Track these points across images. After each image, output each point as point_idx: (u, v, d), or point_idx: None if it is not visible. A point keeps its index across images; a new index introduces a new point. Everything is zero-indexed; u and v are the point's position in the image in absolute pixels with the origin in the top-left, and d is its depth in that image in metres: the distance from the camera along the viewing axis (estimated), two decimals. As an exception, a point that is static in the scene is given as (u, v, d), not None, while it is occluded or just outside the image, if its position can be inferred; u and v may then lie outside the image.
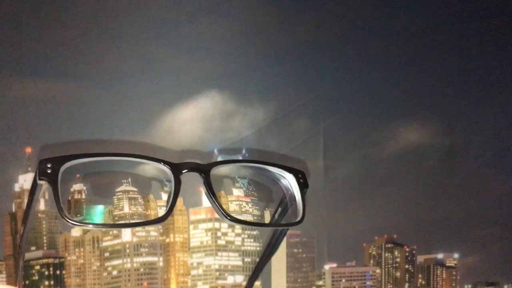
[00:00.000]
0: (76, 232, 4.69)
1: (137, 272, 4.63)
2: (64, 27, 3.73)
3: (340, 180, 4.42)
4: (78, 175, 0.59)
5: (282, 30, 4.15)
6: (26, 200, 4.42)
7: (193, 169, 0.61)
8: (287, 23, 4.09)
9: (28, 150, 4.02)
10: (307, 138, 4.04)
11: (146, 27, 3.87)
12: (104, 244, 4.70)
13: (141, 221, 0.61)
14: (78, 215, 0.58)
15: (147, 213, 0.62)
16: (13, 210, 4.51)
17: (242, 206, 0.62)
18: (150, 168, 0.60)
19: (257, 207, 0.65)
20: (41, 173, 0.56)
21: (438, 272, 4.84)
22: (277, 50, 4.21)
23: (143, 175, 0.60)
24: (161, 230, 4.65)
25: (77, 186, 0.59)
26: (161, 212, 0.61)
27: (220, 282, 4.62)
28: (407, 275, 4.86)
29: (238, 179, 0.65)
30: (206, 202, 3.97)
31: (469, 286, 4.78)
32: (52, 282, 4.52)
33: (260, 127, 3.96)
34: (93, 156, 0.56)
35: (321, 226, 4.28)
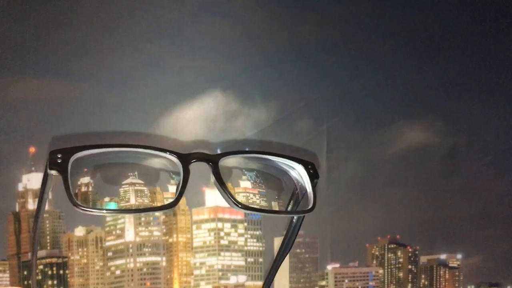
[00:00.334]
0: (79, 232, 4.71)
1: (140, 272, 4.65)
2: (67, 27, 3.75)
3: (343, 180, 4.43)
4: (86, 169, 0.59)
5: (285, 31, 4.16)
6: (30, 200, 4.44)
7: (202, 159, 0.61)
8: (290, 24, 4.10)
9: (32, 150, 4.04)
10: (310, 138, 4.05)
11: (149, 28, 3.88)
12: (107, 244, 4.71)
13: (150, 206, 0.61)
14: (87, 205, 0.59)
15: (153, 205, 0.62)
16: (17, 209, 4.54)
17: (249, 198, 0.62)
18: (158, 161, 0.60)
19: (264, 199, 0.65)
20: (51, 163, 0.57)
21: (441, 272, 4.84)
22: (280, 50, 4.22)
23: (150, 167, 0.60)
24: (164, 230, 4.67)
25: (84, 179, 0.60)
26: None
27: (223, 282, 4.63)
28: (410, 276, 4.86)
29: (246, 171, 0.65)
30: (209, 202, 3.98)
31: (472, 286, 4.78)
32: (55, 282, 4.54)
33: (263, 128, 3.96)
34: (102, 147, 0.56)
35: (324, 226, 4.28)
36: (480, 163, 4.39)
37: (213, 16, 3.98)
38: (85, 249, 4.51)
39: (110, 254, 4.54)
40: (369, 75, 4.30)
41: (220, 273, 4.59)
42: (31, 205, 4.27)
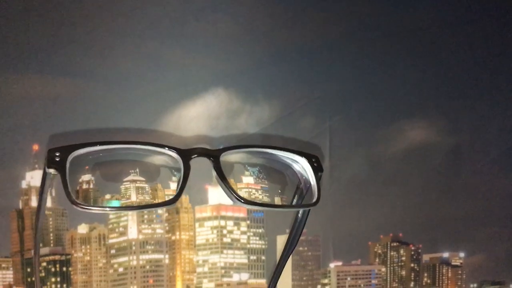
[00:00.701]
0: (82, 229, 4.72)
1: (143, 269, 4.65)
2: (71, 25, 3.76)
3: (346, 179, 4.44)
4: (87, 167, 0.58)
5: (288, 29, 4.16)
6: (33, 197, 4.45)
7: (203, 154, 0.59)
8: (293, 22, 4.11)
9: (35, 147, 4.04)
10: (313, 136, 4.05)
11: (153, 26, 3.89)
12: (110, 241, 4.72)
13: (150, 203, 0.60)
14: (86, 202, 0.58)
15: (154, 201, 0.61)
16: (20, 207, 4.55)
17: (251, 194, 0.61)
18: (159, 157, 0.58)
19: (267, 194, 0.63)
20: (49, 162, 0.56)
21: (444, 271, 4.84)
22: (283, 49, 4.22)
23: (152, 164, 0.59)
24: (167, 228, 4.67)
25: (86, 177, 0.59)
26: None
27: (225, 279, 4.64)
28: (412, 274, 4.86)
29: (248, 167, 0.62)
30: (212, 200, 3.98)
31: (475, 285, 4.77)
32: (58, 279, 4.55)
33: (265, 126, 3.97)
34: (101, 145, 0.55)
35: (326, 224, 4.29)
36: (482, 162, 4.39)
37: (216, 15, 3.99)
38: (88, 246, 4.52)
39: (113, 251, 4.55)
40: (372, 74, 4.30)
41: (223, 271, 4.60)
42: (35, 202, 4.28)
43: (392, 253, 4.88)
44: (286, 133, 4.07)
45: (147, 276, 4.57)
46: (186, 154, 0.58)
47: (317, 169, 0.62)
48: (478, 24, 4.16)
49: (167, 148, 0.57)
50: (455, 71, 4.31)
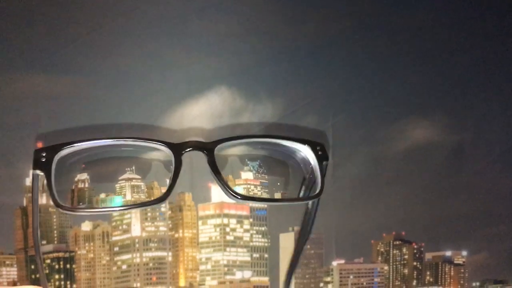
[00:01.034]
0: (86, 226, 4.74)
1: (146, 267, 4.67)
2: (74, 24, 3.77)
3: (348, 177, 4.44)
4: (77, 166, 0.57)
5: (291, 27, 4.17)
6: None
7: (196, 147, 0.54)
8: (295, 21, 4.11)
9: (39, 145, 4.05)
10: (315, 135, 4.04)
11: (155, 24, 3.90)
12: (114, 238, 4.73)
13: (137, 203, 0.57)
14: (80, 204, 0.57)
15: (150, 200, 0.58)
16: (24, 204, 4.57)
17: (250, 190, 0.58)
18: (154, 154, 0.55)
19: (266, 190, 0.59)
20: (35, 163, 0.55)
21: (446, 269, 4.84)
22: (286, 47, 4.23)
23: (147, 161, 0.57)
24: (170, 225, 4.69)
25: (77, 177, 0.58)
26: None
27: (228, 277, 4.65)
28: (415, 272, 4.86)
29: (247, 160, 0.59)
30: (215, 197, 3.99)
31: (477, 283, 4.77)
32: (62, 276, 4.57)
33: (268, 124, 3.97)
34: (87, 141, 0.54)
35: (329, 222, 4.29)
36: (485, 160, 4.39)
37: (219, 13, 4.00)
38: (91, 243, 4.53)
39: (116, 249, 4.57)
40: (374, 72, 4.30)
41: (226, 269, 4.61)
42: (39, 199, 4.29)
43: (394, 252, 4.89)
44: (288, 131, 4.08)
45: (150, 273, 4.58)
46: (177, 148, 0.54)
47: (322, 157, 0.58)
48: (482, 24, 4.17)
49: (156, 142, 0.54)
50: (458, 70, 4.31)
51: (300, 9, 4.03)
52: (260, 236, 4.61)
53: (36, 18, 3.71)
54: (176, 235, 4.58)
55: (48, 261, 4.33)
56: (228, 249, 4.59)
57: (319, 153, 0.58)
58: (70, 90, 4.03)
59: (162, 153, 0.56)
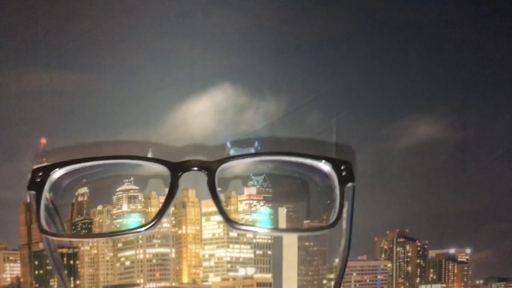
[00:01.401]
0: (90, 223, 4.75)
1: (149, 263, 4.67)
2: (79, 20, 3.77)
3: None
4: (84, 180, 0.55)
5: (295, 24, 4.16)
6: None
7: (196, 167, 0.50)
8: (300, 17, 4.10)
9: (43, 141, 4.06)
10: (320, 132, 4.04)
11: (160, 20, 3.90)
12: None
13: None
14: (78, 216, 0.56)
15: (147, 210, 0.57)
16: (28, 200, 4.57)
17: (252, 206, 0.54)
18: (151, 166, 0.53)
19: (269, 205, 0.54)
20: (30, 183, 0.54)
21: (450, 267, 4.83)
22: (290, 44, 4.22)
23: (146, 176, 0.54)
24: (174, 222, 4.69)
25: (81, 190, 0.56)
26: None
27: (231, 274, 4.65)
28: (418, 270, 4.86)
29: (252, 176, 0.54)
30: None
31: (481, 281, 4.77)
32: (66, 272, 4.56)
33: (272, 121, 3.97)
34: (85, 161, 0.52)
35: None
36: (489, 157, 4.38)
37: (224, 9, 3.99)
38: (95, 240, 4.54)
39: (120, 245, 4.57)
40: (379, 69, 4.30)
41: (229, 265, 4.61)
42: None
43: (398, 249, 4.88)
44: (293, 128, 4.07)
45: (153, 269, 4.58)
46: (175, 168, 0.50)
47: (345, 179, 0.49)
48: (486, 21, 4.15)
49: (159, 163, 0.51)
50: (462, 67, 4.30)
51: (305, 6, 4.02)
52: (263, 233, 4.61)
53: (40, 14, 3.71)
54: (180, 232, 4.58)
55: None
56: (231, 245, 4.60)
57: (343, 173, 0.49)
58: (74, 86, 4.03)
59: (162, 168, 0.53)
